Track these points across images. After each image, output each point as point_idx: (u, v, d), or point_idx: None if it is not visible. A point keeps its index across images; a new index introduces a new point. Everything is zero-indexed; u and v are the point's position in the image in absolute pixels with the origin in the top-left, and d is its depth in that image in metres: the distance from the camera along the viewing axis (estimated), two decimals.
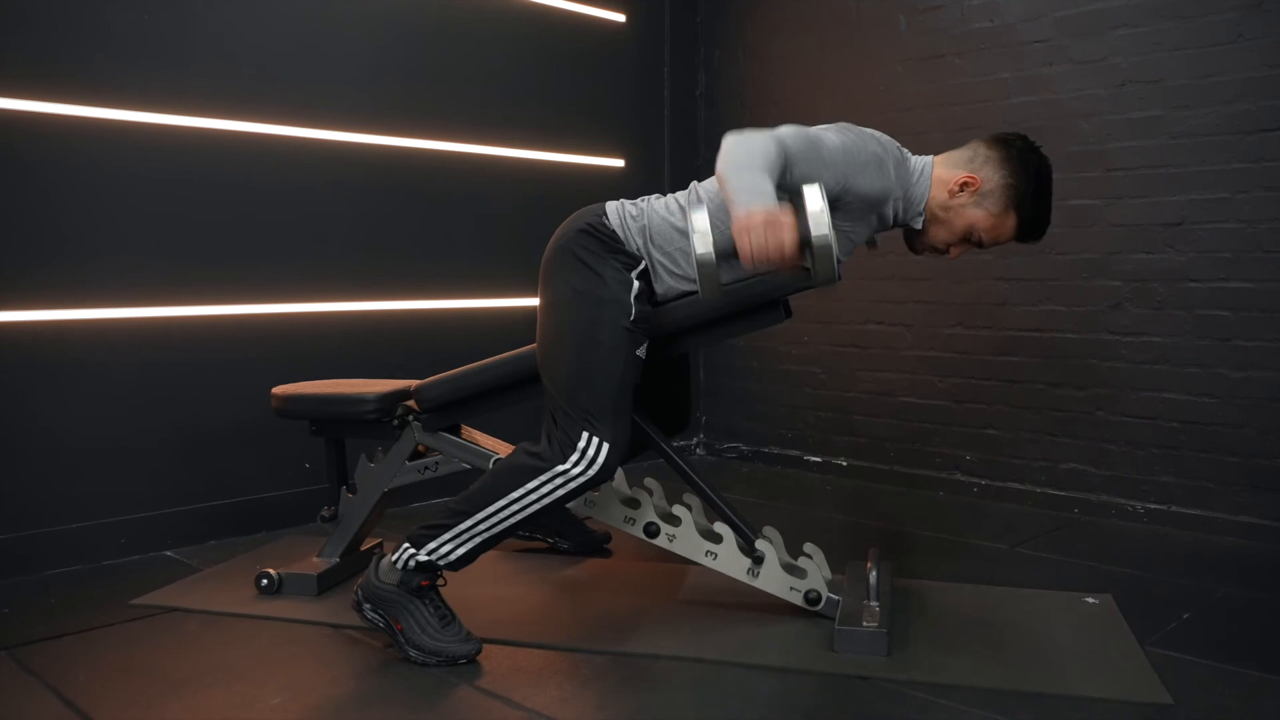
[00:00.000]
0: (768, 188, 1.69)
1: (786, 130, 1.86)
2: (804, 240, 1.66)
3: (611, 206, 2.09)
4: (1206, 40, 2.92)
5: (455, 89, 3.45)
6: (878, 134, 1.99)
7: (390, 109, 3.27)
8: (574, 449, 1.93)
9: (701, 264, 1.66)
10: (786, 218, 1.65)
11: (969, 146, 2.04)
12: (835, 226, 1.77)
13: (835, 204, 1.88)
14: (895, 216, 2.03)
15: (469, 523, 1.97)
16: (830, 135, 1.90)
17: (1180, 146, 2.99)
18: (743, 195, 1.68)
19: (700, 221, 1.65)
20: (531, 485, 1.95)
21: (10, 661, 2.01)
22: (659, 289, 2.07)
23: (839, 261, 1.70)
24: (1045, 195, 2.00)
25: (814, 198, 1.64)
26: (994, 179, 1.98)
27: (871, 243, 2.20)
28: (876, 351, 3.72)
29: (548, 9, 3.70)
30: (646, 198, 2.13)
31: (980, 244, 2.04)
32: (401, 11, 3.29)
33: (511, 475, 1.97)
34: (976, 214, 2.00)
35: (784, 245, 1.64)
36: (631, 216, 2.06)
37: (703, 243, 1.65)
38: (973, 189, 1.98)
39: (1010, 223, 2.01)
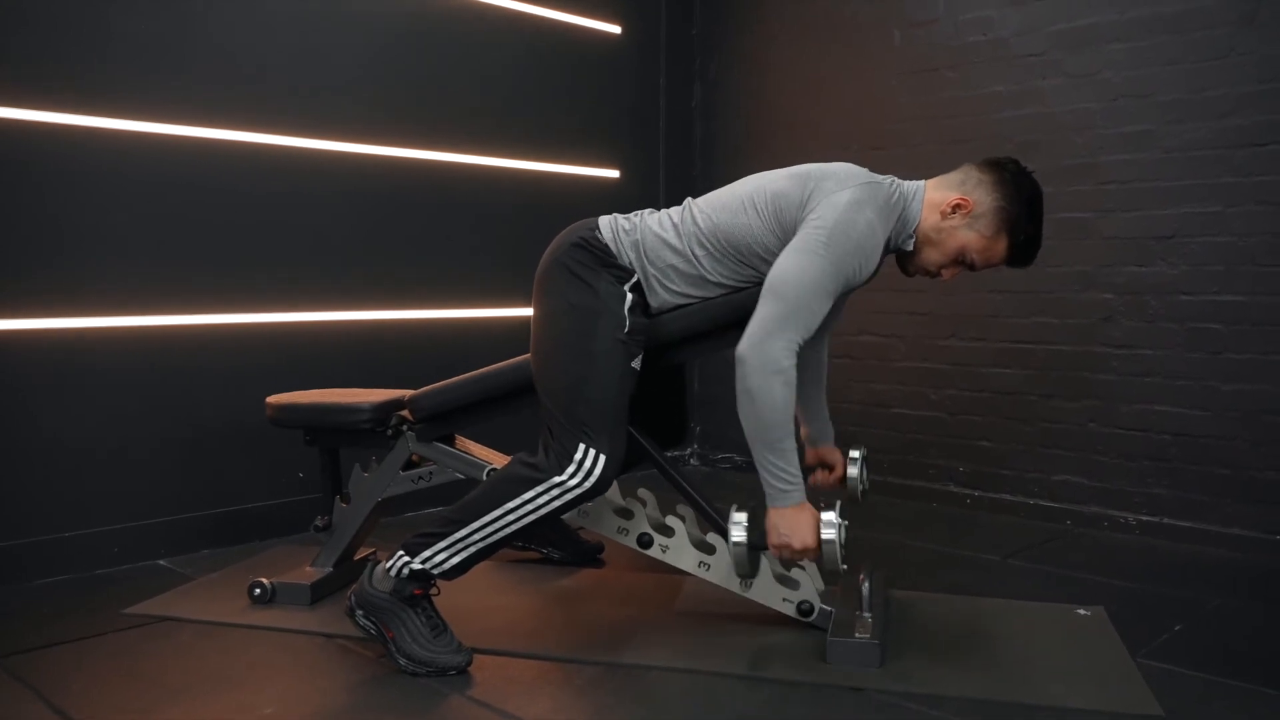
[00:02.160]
0: (794, 476, 1.93)
1: (786, 310, 1.89)
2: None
3: (604, 221, 2.10)
4: (1199, 55, 2.94)
5: (452, 99, 3.46)
6: (863, 188, 1.96)
7: (387, 119, 3.28)
8: (571, 461, 1.93)
9: (735, 551, 2.02)
10: (810, 543, 1.92)
11: (960, 170, 2.05)
12: (843, 298, 2.03)
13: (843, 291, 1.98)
14: (889, 245, 2.05)
15: (464, 532, 1.97)
16: (823, 262, 1.89)
17: (1172, 160, 3.00)
18: (777, 495, 1.94)
19: (739, 520, 2.02)
20: (528, 496, 1.95)
21: (2, 671, 2.00)
22: (654, 302, 2.08)
23: (842, 553, 1.96)
24: (1037, 219, 2.01)
25: (829, 530, 1.93)
26: (986, 202, 1.99)
27: None
28: (870, 363, 3.73)
29: (544, 20, 3.71)
30: (639, 213, 2.13)
31: (972, 266, 2.05)
32: (399, 22, 3.30)
33: (508, 486, 1.97)
34: (969, 236, 2.01)
35: (808, 559, 1.98)
36: (624, 231, 2.07)
37: (739, 534, 2.01)
38: (965, 211, 1.99)
39: (1002, 245, 2.02)
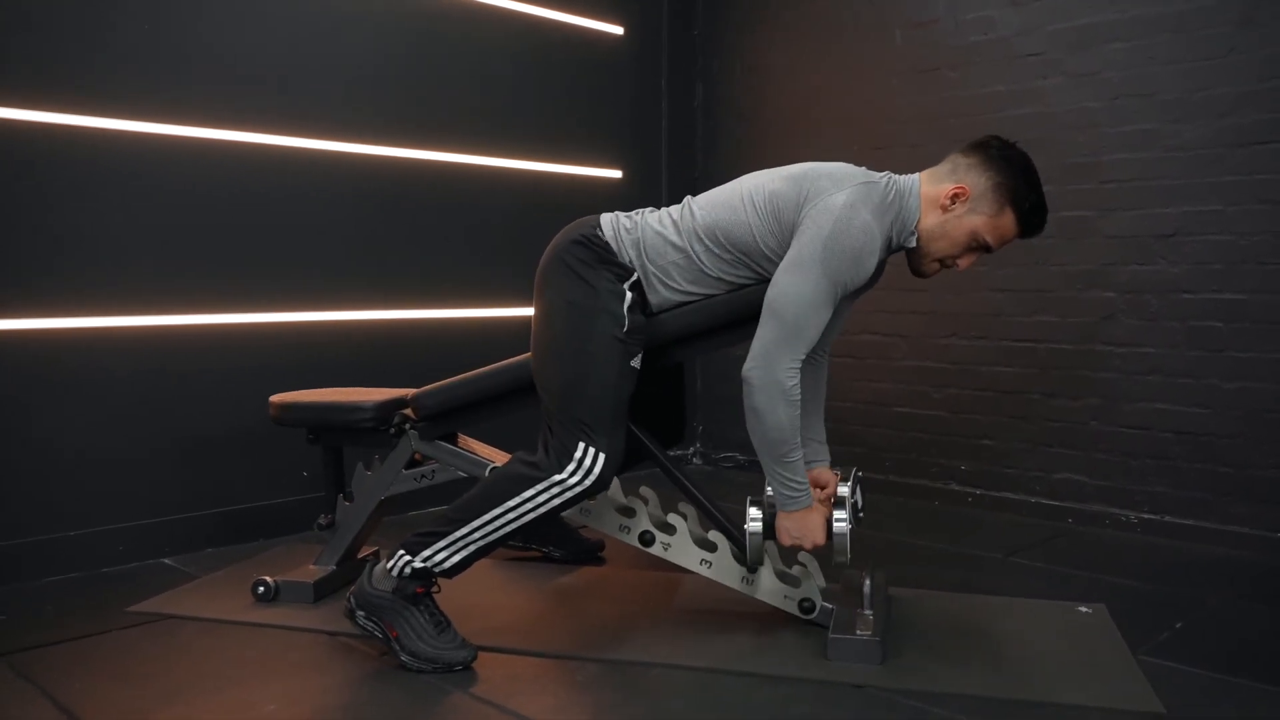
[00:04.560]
0: (802, 485, 2.02)
1: (788, 331, 1.92)
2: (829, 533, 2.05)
3: (606, 218, 2.10)
4: (1199, 54, 2.93)
5: (455, 100, 3.46)
6: (859, 190, 1.95)
7: (390, 119, 3.28)
8: (570, 459, 1.93)
9: (751, 543, 2.08)
10: (820, 541, 2.03)
11: (948, 160, 2.05)
12: (845, 304, 2.08)
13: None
14: (890, 245, 2.04)
15: (464, 530, 1.97)
16: (819, 275, 1.90)
17: (1173, 159, 3.00)
18: (786, 502, 2.03)
19: (754, 513, 2.08)
20: (528, 494, 1.95)
21: (7, 668, 2.00)
22: (654, 300, 2.07)
23: (851, 539, 2.04)
24: (1036, 185, 2.01)
25: (839, 523, 2.03)
26: (981, 183, 1.99)
27: None
28: (872, 362, 3.72)
29: (547, 21, 3.71)
30: (640, 211, 2.13)
31: (988, 248, 2.04)
32: (402, 23, 3.30)
33: (508, 484, 1.97)
34: (975, 220, 2.00)
35: (817, 549, 2.07)
36: (625, 229, 2.07)
37: (755, 524, 2.07)
38: (964, 198, 1.99)
39: (1009, 219, 2.01)
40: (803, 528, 2.03)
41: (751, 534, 2.07)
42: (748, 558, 2.11)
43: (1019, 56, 3.30)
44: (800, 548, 2.05)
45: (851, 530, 2.04)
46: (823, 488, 2.25)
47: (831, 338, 2.27)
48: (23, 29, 2.54)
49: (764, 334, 1.95)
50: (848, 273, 1.93)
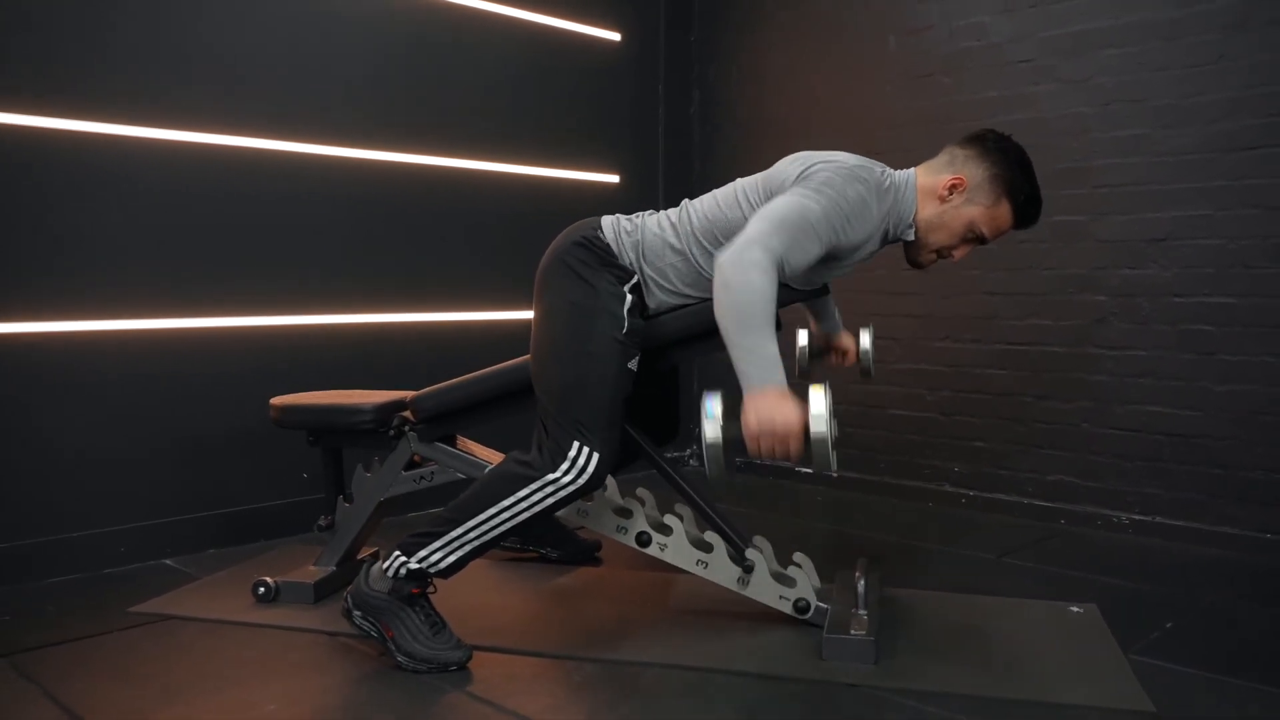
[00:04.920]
0: (771, 356, 1.75)
1: (771, 228, 1.82)
2: (807, 436, 1.72)
3: (607, 221, 2.10)
4: (1190, 61, 2.94)
5: (454, 105, 3.46)
6: (859, 167, 1.97)
7: (389, 125, 3.28)
8: (564, 458, 1.92)
9: (709, 446, 1.75)
10: (794, 425, 1.71)
11: (944, 152, 2.07)
12: (838, 267, 2.01)
13: (830, 255, 1.95)
14: (887, 236, 2.05)
15: (459, 530, 1.96)
16: (812, 204, 1.87)
17: (1164, 164, 3.00)
18: (753, 376, 1.76)
19: (714, 408, 1.74)
20: (522, 493, 1.94)
21: (10, 668, 2.00)
22: (651, 303, 2.07)
23: (835, 451, 1.74)
24: (1031, 176, 2.02)
25: (817, 400, 1.71)
26: (978, 174, 2.00)
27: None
28: None
29: (545, 28, 3.71)
30: (641, 214, 2.14)
31: (983, 240, 2.05)
32: (402, 29, 3.30)
33: (502, 483, 1.96)
34: (972, 211, 2.01)
35: (789, 454, 1.74)
36: (626, 232, 2.07)
37: (713, 430, 1.74)
38: (962, 189, 2.00)
39: (1005, 210, 2.02)
40: (773, 407, 1.72)
41: (710, 443, 1.75)
42: (709, 470, 1.78)
43: (1011, 63, 3.30)
44: (770, 435, 1.73)
45: (834, 433, 1.72)
46: (844, 353, 2.43)
47: (818, 307, 2.39)
48: (23, 33, 2.54)
49: (746, 230, 1.83)
50: (842, 213, 1.89)
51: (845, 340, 2.47)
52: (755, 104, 4.06)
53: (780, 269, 1.82)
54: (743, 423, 1.75)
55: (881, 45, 3.64)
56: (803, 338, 2.41)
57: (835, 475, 2.14)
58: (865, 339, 2.40)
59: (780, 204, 1.88)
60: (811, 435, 1.71)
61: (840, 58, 3.76)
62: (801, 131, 3.88)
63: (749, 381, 1.77)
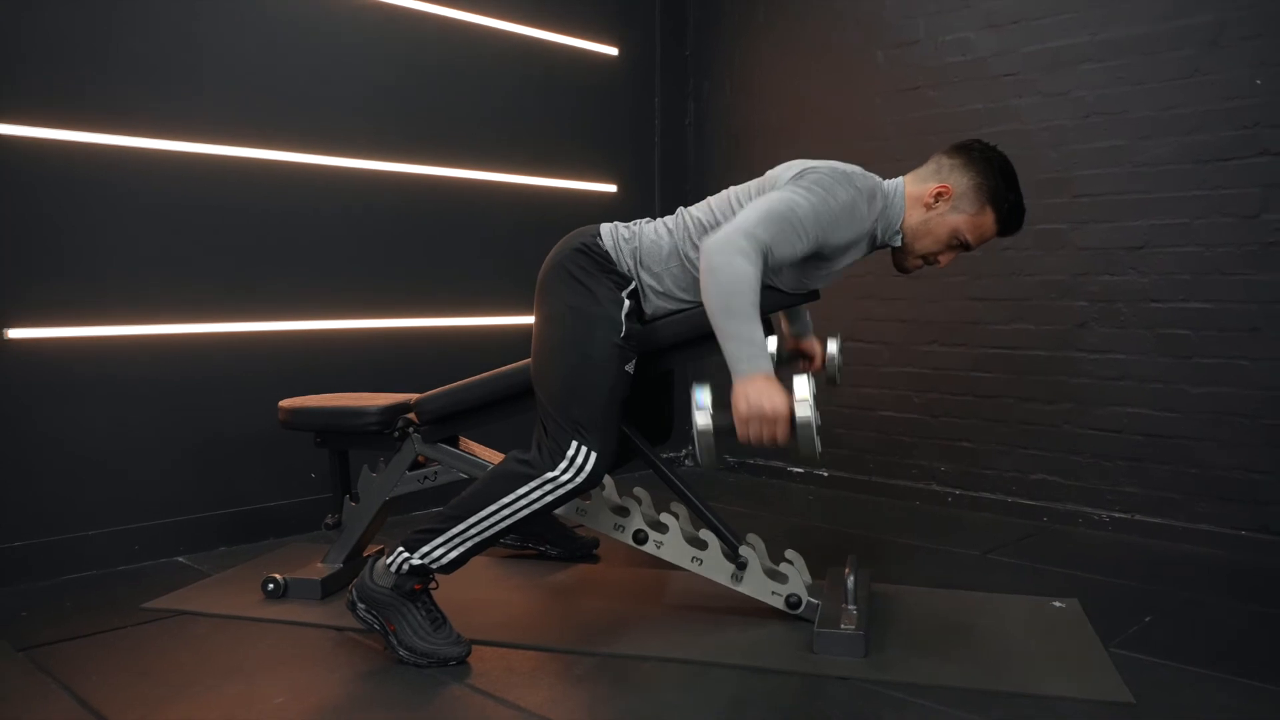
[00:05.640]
0: (759, 342, 1.78)
1: (759, 218, 1.84)
2: (792, 423, 1.77)
3: (605, 228, 2.11)
4: (1166, 75, 2.96)
5: (459, 118, 3.47)
6: (849, 172, 1.99)
7: (395, 136, 3.29)
8: (563, 457, 1.93)
9: (700, 434, 1.80)
10: (782, 409, 1.75)
11: (931, 160, 2.08)
12: (825, 269, 1.99)
13: (816, 255, 1.96)
14: (875, 241, 2.06)
15: (460, 527, 1.97)
16: (801, 200, 1.89)
17: (1142, 174, 3.02)
18: (741, 362, 1.79)
19: (703, 398, 1.79)
20: (521, 491, 1.95)
21: (28, 662, 2.00)
22: (647, 309, 2.09)
23: (819, 437, 1.78)
24: (1014, 185, 2.03)
25: (801, 386, 1.76)
26: (963, 182, 2.01)
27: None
28: (857, 368, 3.73)
29: (545, 43, 3.73)
30: (639, 221, 2.14)
31: (967, 246, 2.06)
32: (406, 44, 3.31)
33: (502, 482, 1.97)
34: (957, 218, 2.02)
35: (777, 439, 1.78)
36: (624, 239, 2.08)
37: (703, 419, 1.80)
38: (947, 197, 2.02)
39: (989, 218, 2.03)
40: (761, 392, 1.76)
41: (701, 431, 1.81)
42: (698, 456, 1.84)
43: (995, 76, 3.32)
44: (759, 418, 1.76)
45: (817, 421, 1.76)
46: (810, 358, 2.34)
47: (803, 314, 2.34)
48: (39, 49, 2.55)
49: (734, 219, 1.87)
50: (830, 214, 1.90)
51: (812, 345, 2.43)
52: (748, 116, 4.08)
53: (765, 258, 1.83)
54: (732, 407, 1.79)
55: (870, 59, 3.65)
56: (771, 344, 2.12)
57: (823, 471, 2.16)
58: (832, 346, 2.38)
59: (770, 197, 1.91)
60: (797, 420, 1.75)
61: (830, 71, 3.78)
62: (793, 143, 3.89)
63: (737, 367, 1.80)
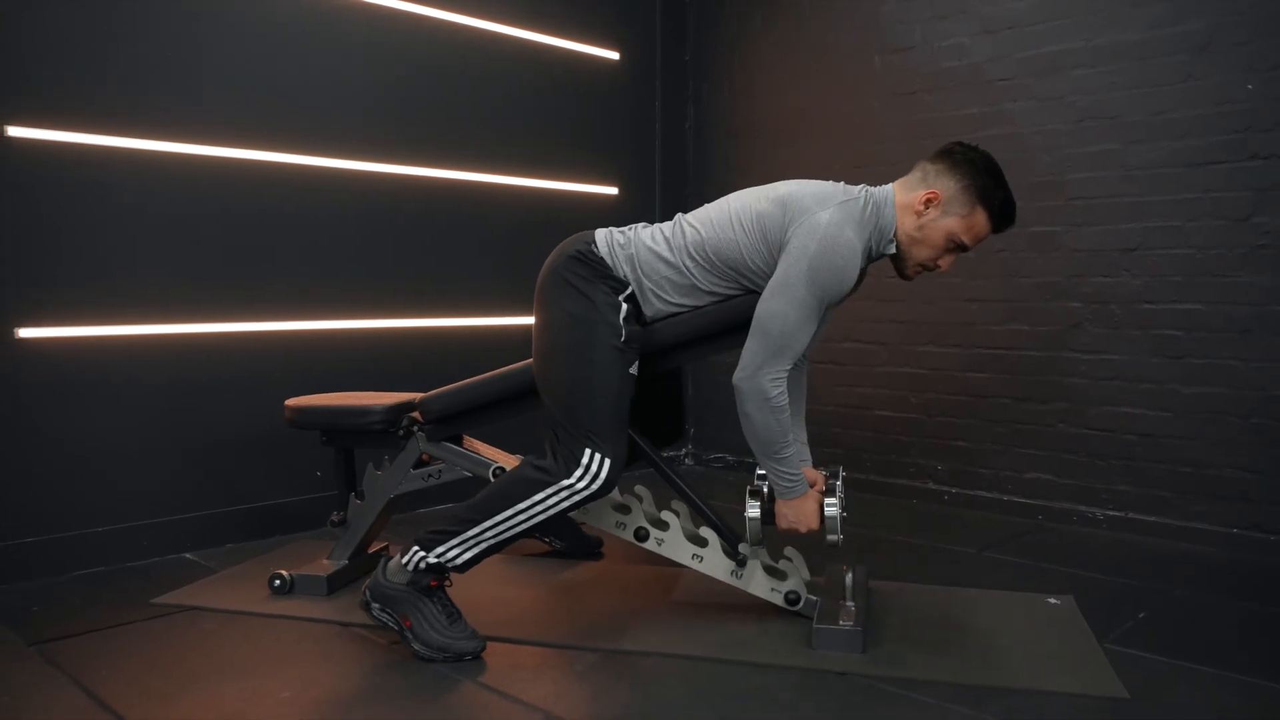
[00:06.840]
0: (796, 475, 2.06)
1: (769, 354, 1.95)
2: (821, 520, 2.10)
3: (600, 235, 2.10)
4: (1159, 80, 2.96)
5: (461, 121, 3.47)
6: (843, 219, 1.95)
7: (398, 139, 3.29)
8: (579, 465, 1.93)
9: (750, 525, 2.15)
10: (814, 526, 2.08)
11: (916, 169, 2.07)
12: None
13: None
14: (871, 254, 2.06)
15: (477, 530, 1.98)
16: (799, 294, 1.93)
17: (1135, 178, 3.02)
18: (784, 491, 2.07)
19: (753, 511, 2.14)
20: (539, 497, 1.95)
21: (38, 657, 2.00)
22: (648, 311, 2.08)
23: (840, 535, 2.09)
24: (1002, 182, 2.02)
25: (831, 510, 2.08)
26: (951, 186, 2.01)
27: None
28: (854, 368, 3.73)
29: (547, 48, 3.73)
30: (633, 226, 2.13)
31: (964, 247, 2.06)
32: (410, 48, 3.31)
33: (519, 487, 1.97)
34: (950, 222, 2.02)
35: (811, 532, 2.10)
36: (619, 245, 2.07)
37: (753, 527, 2.15)
38: (936, 202, 2.01)
39: (982, 217, 2.02)
40: (799, 513, 2.07)
41: (750, 519, 2.14)
42: (748, 539, 2.17)
43: (990, 81, 3.32)
44: (796, 532, 2.08)
45: (842, 515, 2.09)
46: (811, 485, 2.27)
47: (814, 346, 2.28)
48: (51, 53, 2.55)
49: (752, 346, 1.97)
50: (832, 288, 1.95)
51: (810, 476, 2.14)
52: (747, 120, 4.08)
53: (788, 371, 1.99)
54: (777, 517, 2.10)
55: (867, 64, 3.66)
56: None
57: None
58: (836, 482, 2.15)
59: (777, 310, 1.95)
60: (826, 540, 2.09)
61: (828, 76, 3.78)
62: (791, 146, 3.89)
63: (780, 494, 2.08)
